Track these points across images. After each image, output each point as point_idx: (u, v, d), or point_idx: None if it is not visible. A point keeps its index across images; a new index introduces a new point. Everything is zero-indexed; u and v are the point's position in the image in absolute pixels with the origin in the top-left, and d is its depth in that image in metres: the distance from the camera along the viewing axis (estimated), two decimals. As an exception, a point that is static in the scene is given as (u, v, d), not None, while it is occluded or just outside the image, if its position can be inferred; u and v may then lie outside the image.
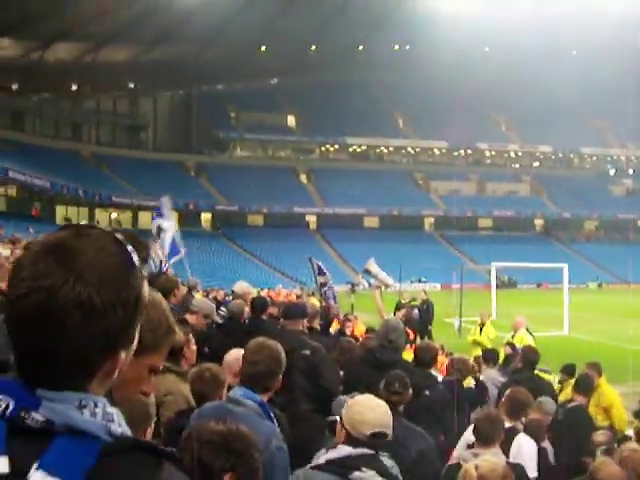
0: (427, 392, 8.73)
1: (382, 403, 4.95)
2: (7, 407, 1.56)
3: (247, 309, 10.46)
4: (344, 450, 4.61)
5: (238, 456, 3.60)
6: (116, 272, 1.62)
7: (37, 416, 1.55)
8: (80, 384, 1.62)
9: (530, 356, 11.77)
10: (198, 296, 14.60)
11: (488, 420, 6.72)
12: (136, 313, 1.65)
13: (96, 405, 1.62)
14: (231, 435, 3.67)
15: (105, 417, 1.62)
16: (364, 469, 4.43)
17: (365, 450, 4.57)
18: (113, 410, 1.65)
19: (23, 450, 1.53)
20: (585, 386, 10.58)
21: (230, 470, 3.57)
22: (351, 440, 4.69)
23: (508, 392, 8.50)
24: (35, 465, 1.52)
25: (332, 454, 4.63)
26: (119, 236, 1.68)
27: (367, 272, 14.55)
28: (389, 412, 4.86)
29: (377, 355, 8.57)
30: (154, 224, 16.80)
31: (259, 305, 10.36)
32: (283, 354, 5.33)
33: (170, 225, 16.90)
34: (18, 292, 1.56)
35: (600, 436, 8.64)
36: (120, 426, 1.64)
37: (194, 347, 6.85)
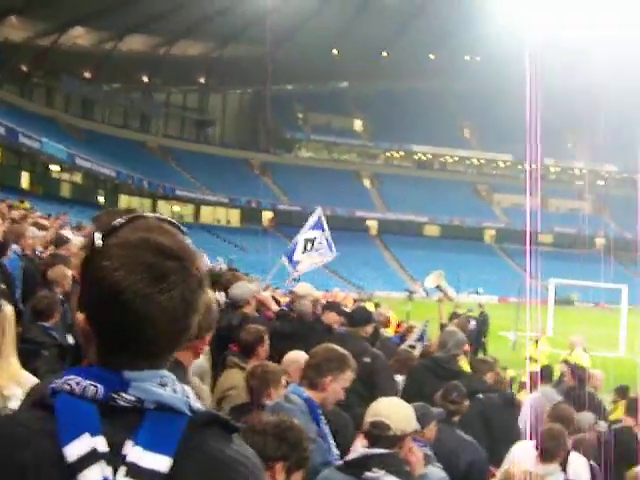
0: (481, 396, 8.78)
1: (403, 404, 5.00)
2: (97, 391, 1.68)
3: (310, 310, 10.52)
4: (360, 451, 4.67)
5: (290, 445, 3.75)
6: (197, 257, 1.79)
7: (128, 396, 1.69)
8: (161, 364, 1.78)
9: (581, 375, 11.78)
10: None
11: (551, 435, 6.69)
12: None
13: (174, 382, 1.77)
14: (283, 425, 3.82)
15: (184, 393, 1.77)
16: (375, 469, 4.47)
17: (379, 450, 4.59)
18: (186, 386, 1.81)
19: (117, 429, 1.67)
20: (634, 408, 10.53)
21: (282, 459, 3.72)
22: (366, 438, 4.78)
23: (551, 411, 8.50)
24: (131, 442, 1.66)
25: (351, 455, 4.71)
26: (177, 224, 1.83)
27: (439, 287, 14.56)
28: (404, 409, 4.90)
29: (443, 365, 8.62)
30: (304, 237, 16.57)
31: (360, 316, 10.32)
32: (340, 356, 5.40)
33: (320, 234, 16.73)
34: (141, 289, 1.68)
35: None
36: (196, 400, 1.79)
37: (267, 346, 6.96)
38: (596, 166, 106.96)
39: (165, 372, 1.78)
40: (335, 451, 5.14)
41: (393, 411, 4.78)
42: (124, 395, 1.69)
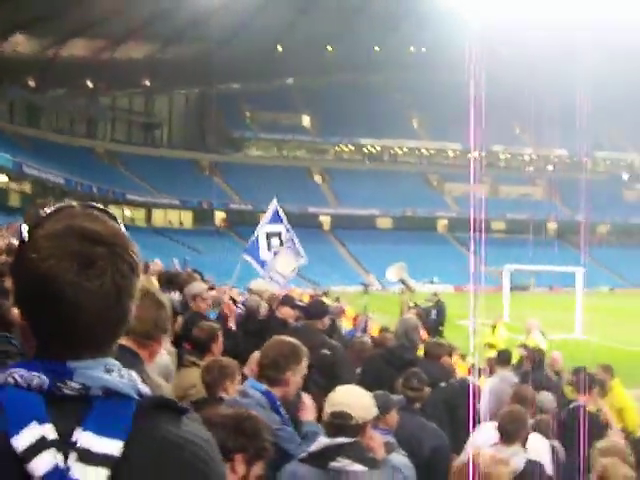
0: (443, 384, 8.81)
1: (362, 392, 4.99)
2: (42, 382, 1.66)
3: (264, 306, 10.52)
4: (323, 441, 4.70)
5: (248, 436, 3.72)
6: (128, 242, 1.77)
7: (73, 384, 1.68)
8: (106, 351, 1.76)
9: (538, 357, 11.91)
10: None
11: (512, 417, 6.73)
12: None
13: (120, 369, 1.76)
14: (240, 417, 3.79)
15: (130, 378, 1.76)
16: (339, 459, 4.51)
17: (341, 439, 4.62)
18: (133, 372, 1.79)
19: (66, 417, 1.65)
20: (587, 387, 10.61)
21: (240, 450, 3.68)
22: (326, 428, 4.79)
23: (514, 391, 8.56)
24: (80, 428, 1.64)
25: (314, 446, 4.72)
26: (106, 210, 1.81)
27: (402, 281, 14.64)
28: (363, 397, 4.91)
29: (398, 354, 8.63)
30: (264, 230, 16.06)
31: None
32: (295, 349, 5.45)
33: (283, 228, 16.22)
34: (68, 277, 1.66)
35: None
36: (143, 385, 1.78)
37: (221, 344, 6.94)
38: (545, 151, 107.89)
39: (110, 360, 1.76)
40: (297, 439, 5.18)
41: (353, 400, 4.79)
42: (69, 383, 1.68)
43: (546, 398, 8.97)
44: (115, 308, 1.71)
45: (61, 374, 1.68)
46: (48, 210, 1.75)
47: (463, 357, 15.07)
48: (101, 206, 1.80)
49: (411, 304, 15.31)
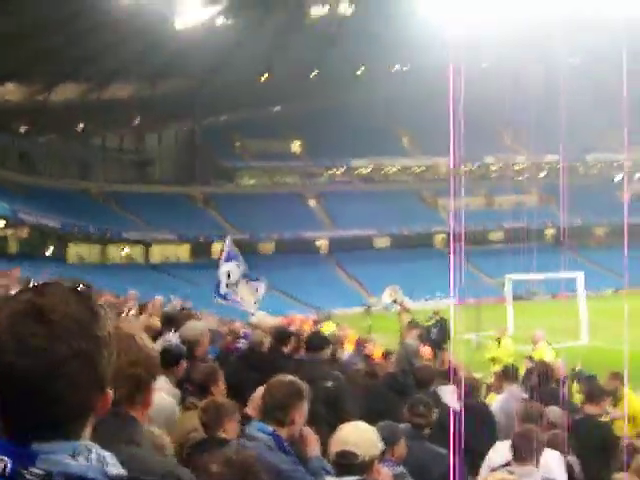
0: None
1: (366, 428, 4.95)
2: (5, 467, 1.63)
3: (267, 340, 10.46)
4: None
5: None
6: (89, 317, 1.73)
7: (36, 470, 1.63)
8: (75, 430, 1.73)
9: (543, 370, 11.85)
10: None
11: (526, 436, 6.65)
12: (112, 350, 1.77)
13: (90, 451, 1.71)
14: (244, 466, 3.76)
15: (100, 460, 1.71)
16: None
17: (349, 478, 4.60)
18: (106, 453, 1.75)
19: None
20: (595, 396, 10.50)
21: None
22: (333, 468, 4.77)
23: (522, 409, 8.50)
24: None
25: None
26: (71, 285, 1.78)
27: (395, 302, 14.68)
28: (368, 434, 4.88)
29: (400, 380, 8.59)
30: (225, 269, 16.65)
31: (280, 336, 10.34)
32: (298, 388, 5.44)
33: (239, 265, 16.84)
34: (7, 357, 1.64)
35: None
36: (115, 467, 1.73)
37: (222, 385, 6.88)
38: (537, 158, 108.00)
39: (79, 442, 1.72)
40: (309, 478, 5.08)
41: (359, 438, 4.76)
42: (32, 469, 1.64)
43: (554, 412, 8.90)
44: (50, 390, 1.66)
45: (25, 459, 1.65)
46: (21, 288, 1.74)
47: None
48: (82, 285, 1.78)
49: (409, 322, 15.27)
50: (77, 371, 1.68)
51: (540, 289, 75.80)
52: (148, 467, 1.81)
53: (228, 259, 16.70)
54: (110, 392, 1.78)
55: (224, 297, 16.50)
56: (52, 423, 1.68)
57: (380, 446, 4.88)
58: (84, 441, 1.72)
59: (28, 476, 1.63)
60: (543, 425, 7.84)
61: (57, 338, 1.65)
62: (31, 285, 1.78)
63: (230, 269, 16.61)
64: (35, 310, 1.67)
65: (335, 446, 4.74)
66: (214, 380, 6.78)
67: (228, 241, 17.33)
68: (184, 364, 6.63)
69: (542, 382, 11.68)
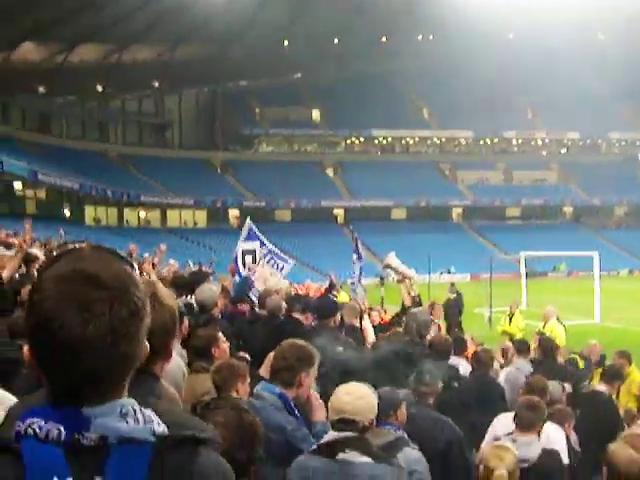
0: (456, 384, 8.79)
1: (364, 393, 5.02)
2: (60, 434, 1.67)
3: (283, 304, 10.51)
4: (332, 435, 4.82)
5: (245, 447, 3.73)
6: (133, 277, 1.78)
7: (91, 435, 1.69)
8: (120, 389, 1.77)
9: (547, 346, 11.88)
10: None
11: (530, 406, 6.71)
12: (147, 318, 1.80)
13: (134, 410, 1.75)
14: (241, 424, 3.83)
15: (146, 420, 1.75)
16: (347, 450, 4.66)
17: (348, 434, 4.75)
18: (148, 411, 1.78)
19: (85, 468, 1.67)
20: (610, 376, 10.56)
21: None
22: (332, 425, 4.89)
23: (525, 382, 8.56)
24: (100, 478, 1.67)
25: (324, 439, 4.87)
26: (115, 252, 1.81)
27: (388, 267, 14.59)
28: (366, 399, 4.96)
29: (410, 351, 8.61)
30: (243, 248, 16.50)
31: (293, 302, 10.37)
32: (309, 352, 5.58)
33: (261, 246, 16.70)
34: (70, 327, 1.66)
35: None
36: (159, 424, 1.77)
37: (224, 345, 6.94)
38: (558, 134, 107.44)
39: (125, 401, 1.77)
40: (311, 439, 5.27)
41: (357, 406, 4.86)
42: (87, 435, 1.69)
43: (554, 387, 8.93)
44: (113, 352, 1.70)
45: (78, 424, 1.69)
46: (57, 252, 1.76)
47: (479, 346, 14.85)
48: (111, 248, 1.81)
49: (413, 293, 15.13)
50: (135, 330, 1.73)
51: (561, 266, 75.48)
52: (174, 420, 1.85)
53: (249, 238, 16.54)
54: (147, 346, 1.82)
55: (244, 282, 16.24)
56: (96, 387, 1.72)
57: (376, 409, 5.02)
58: (127, 400, 1.77)
59: (84, 441, 1.68)
60: (546, 399, 7.87)
61: (115, 300, 1.68)
62: (66, 248, 1.80)
63: (250, 248, 16.41)
64: (86, 275, 1.69)
65: (334, 413, 4.87)
66: (214, 343, 6.85)
67: (248, 222, 17.15)
68: (186, 322, 6.69)
69: (545, 357, 11.73)
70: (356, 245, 19.21)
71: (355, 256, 18.56)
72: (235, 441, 3.63)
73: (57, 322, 1.65)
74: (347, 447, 4.68)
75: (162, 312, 2.99)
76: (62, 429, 1.67)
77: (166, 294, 2.88)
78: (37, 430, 1.67)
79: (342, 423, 4.78)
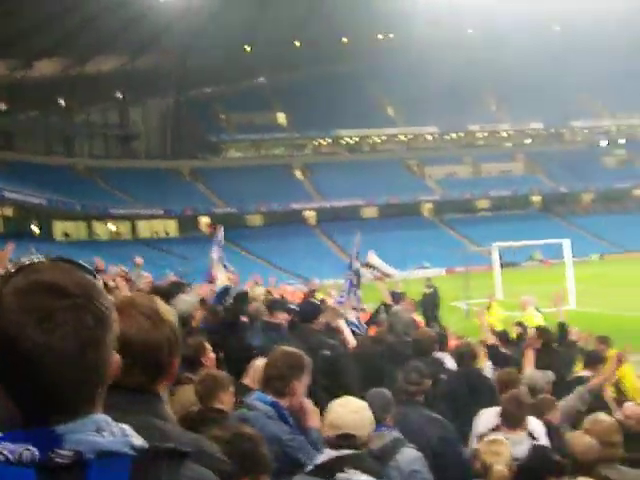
0: (444, 376, 8.81)
1: (361, 407, 4.97)
2: (32, 455, 1.59)
3: (262, 309, 10.49)
4: (328, 454, 4.70)
5: (249, 458, 3.69)
6: (95, 284, 1.73)
7: (65, 452, 1.61)
8: (94, 404, 1.71)
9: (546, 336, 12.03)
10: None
11: (515, 401, 6.65)
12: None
13: (109, 424, 1.70)
14: (238, 438, 3.77)
15: (123, 433, 1.70)
16: (346, 469, 4.51)
17: (345, 452, 4.64)
18: (123, 425, 1.73)
19: None
20: (592, 361, 10.68)
21: (244, 474, 3.66)
22: (329, 443, 4.80)
23: (496, 377, 8.59)
24: None
25: (321, 458, 4.73)
26: (76, 262, 1.75)
27: (368, 265, 14.62)
28: (363, 413, 4.90)
29: (399, 350, 8.63)
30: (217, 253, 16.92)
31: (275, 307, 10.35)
32: (300, 359, 5.55)
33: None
34: (31, 339, 1.60)
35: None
36: (137, 438, 1.72)
37: (212, 355, 6.92)
38: (522, 125, 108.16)
39: (98, 416, 1.70)
40: (308, 447, 5.25)
41: (356, 420, 4.80)
42: (60, 452, 1.61)
43: (539, 377, 8.95)
44: (81, 363, 1.64)
45: (50, 442, 1.62)
46: (17, 267, 1.69)
47: (460, 339, 14.93)
48: (70, 258, 1.76)
49: (399, 291, 15.05)
50: (102, 337, 1.67)
51: (535, 254, 75.66)
52: (175, 439, 1.81)
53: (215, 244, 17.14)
54: (117, 357, 1.76)
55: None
56: (66, 401, 1.66)
57: (374, 422, 4.97)
58: (100, 415, 1.70)
59: (58, 459, 1.60)
60: (521, 390, 7.85)
61: (79, 308, 1.63)
62: (23, 263, 1.75)
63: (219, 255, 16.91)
64: (46, 286, 1.64)
65: (331, 429, 4.78)
66: (202, 352, 6.84)
67: (220, 229, 17.69)
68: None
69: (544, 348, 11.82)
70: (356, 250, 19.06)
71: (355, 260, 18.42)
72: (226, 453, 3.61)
73: (17, 335, 1.59)
74: (345, 466, 4.56)
75: (163, 328, 2.95)
76: (33, 449, 1.59)
77: (166, 310, 2.83)
78: (8, 455, 1.59)
79: (341, 439, 4.70)
